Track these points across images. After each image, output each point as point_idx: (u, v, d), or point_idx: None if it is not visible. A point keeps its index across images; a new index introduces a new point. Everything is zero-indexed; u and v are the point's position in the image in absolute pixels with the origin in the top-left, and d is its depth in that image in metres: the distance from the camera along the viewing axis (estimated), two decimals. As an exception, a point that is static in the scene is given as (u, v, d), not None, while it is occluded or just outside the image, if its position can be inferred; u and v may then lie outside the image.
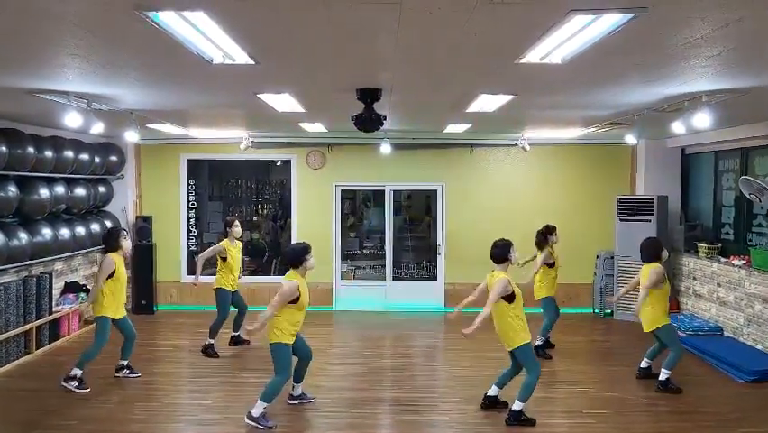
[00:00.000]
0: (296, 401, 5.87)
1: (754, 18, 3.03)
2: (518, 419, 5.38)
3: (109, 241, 6.50)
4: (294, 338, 5.46)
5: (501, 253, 5.50)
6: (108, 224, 9.36)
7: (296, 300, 5.30)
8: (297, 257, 5.44)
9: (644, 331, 6.37)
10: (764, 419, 5.60)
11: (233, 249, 7.71)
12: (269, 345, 5.42)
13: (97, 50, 3.81)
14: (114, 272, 6.27)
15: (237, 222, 7.80)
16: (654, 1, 2.79)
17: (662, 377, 6.27)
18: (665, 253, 6.41)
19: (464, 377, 6.79)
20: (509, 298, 5.33)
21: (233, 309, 7.77)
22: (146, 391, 6.30)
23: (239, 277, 7.88)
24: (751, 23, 3.10)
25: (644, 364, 6.68)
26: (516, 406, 5.39)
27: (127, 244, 6.54)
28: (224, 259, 7.63)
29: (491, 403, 5.75)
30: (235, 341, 7.87)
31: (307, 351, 5.81)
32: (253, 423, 5.30)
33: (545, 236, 7.55)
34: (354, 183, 10.48)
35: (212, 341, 7.53)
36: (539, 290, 7.51)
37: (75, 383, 6.20)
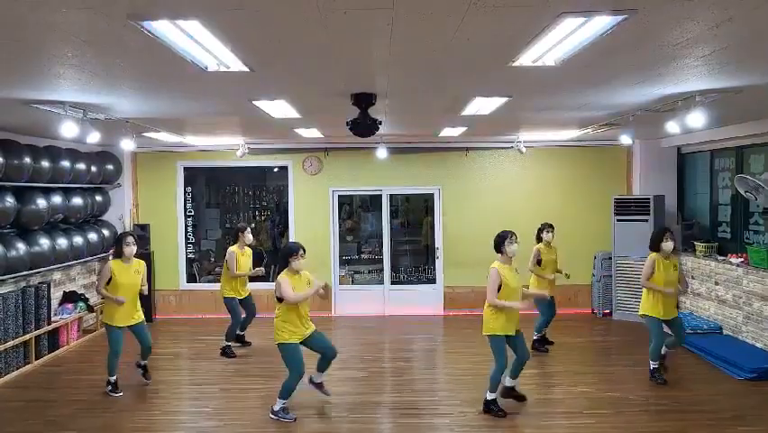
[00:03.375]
0: (312, 386, 5.99)
1: (743, 18, 3.05)
2: (488, 408, 5.67)
3: (115, 247, 6.50)
4: (298, 337, 5.61)
5: (495, 244, 5.73)
6: (106, 233, 9.38)
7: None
8: (282, 258, 5.74)
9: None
10: (764, 417, 5.61)
11: (242, 256, 7.77)
12: (276, 345, 5.65)
13: (92, 59, 3.82)
14: (110, 279, 6.21)
15: (249, 229, 7.92)
16: (645, 2, 2.81)
17: (649, 367, 6.53)
18: (667, 245, 6.42)
19: (464, 380, 6.80)
20: (498, 288, 5.54)
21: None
22: (146, 400, 6.29)
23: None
24: (741, 22, 3.12)
25: (662, 351, 6.70)
26: (488, 395, 5.68)
27: (129, 249, 6.34)
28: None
29: (508, 393, 5.90)
30: (239, 340, 8.07)
31: (325, 348, 5.85)
32: (275, 417, 5.63)
33: (539, 233, 7.80)
34: (351, 188, 10.49)
35: (228, 343, 7.77)
36: (532, 287, 7.59)
37: (109, 387, 6.37)
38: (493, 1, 2.77)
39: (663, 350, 6.64)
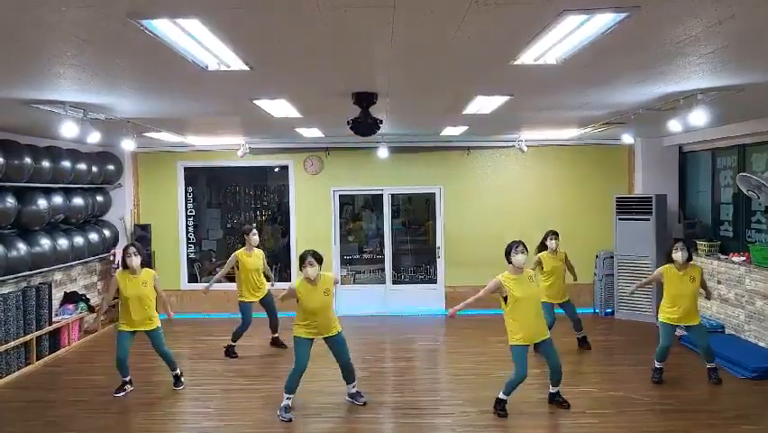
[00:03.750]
0: (349, 399, 6.09)
1: (746, 15, 3.04)
2: (495, 407, 5.71)
3: (121, 260, 6.45)
4: (309, 335, 5.76)
5: (505, 254, 5.72)
6: (107, 233, 9.38)
7: (297, 300, 5.78)
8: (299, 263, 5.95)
9: None
10: (767, 416, 5.59)
11: (249, 258, 7.71)
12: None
13: (92, 58, 3.81)
14: (117, 290, 6.28)
15: (254, 230, 7.87)
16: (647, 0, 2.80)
17: (652, 366, 6.56)
18: (678, 255, 6.30)
19: (466, 379, 6.78)
20: (504, 298, 5.57)
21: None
22: (147, 400, 6.28)
23: (271, 284, 8.07)
24: (743, 20, 3.11)
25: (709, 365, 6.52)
26: (500, 395, 5.71)
27: (131, 260, 6.22)
28: (236, 268, 7.71)
29: (551, 399, 5.92)
30: (276, 343, 8.08)
31: (338, 354, 5.92)
32: (278, 413, 5.71)
33: (543, 241, 7.64)
34: (352, 188, 10.48)
35: (233, 343, 7.79)
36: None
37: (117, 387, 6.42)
38: (494, -2, 2.76)
39: (711, 364, 6.46)
